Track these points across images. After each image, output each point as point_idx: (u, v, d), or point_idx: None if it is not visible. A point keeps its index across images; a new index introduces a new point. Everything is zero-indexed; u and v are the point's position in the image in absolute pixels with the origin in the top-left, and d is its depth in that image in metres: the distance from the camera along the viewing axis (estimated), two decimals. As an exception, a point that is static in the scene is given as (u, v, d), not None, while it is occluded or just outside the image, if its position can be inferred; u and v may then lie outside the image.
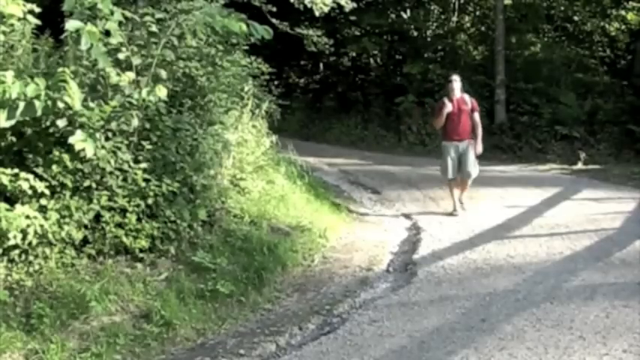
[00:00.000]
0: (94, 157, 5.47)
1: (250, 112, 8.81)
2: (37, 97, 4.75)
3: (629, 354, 4.40)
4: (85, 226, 5.56)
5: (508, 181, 11.77)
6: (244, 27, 6.05)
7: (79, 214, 5.47)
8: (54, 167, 5.46)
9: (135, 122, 5.78)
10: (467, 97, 8.97)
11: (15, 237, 5.01)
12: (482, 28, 20.01)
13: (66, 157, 5.46)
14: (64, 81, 4.96)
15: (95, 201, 5.59)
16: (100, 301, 5.02)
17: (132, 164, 5.82)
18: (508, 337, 4.77)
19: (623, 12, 18.90)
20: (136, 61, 5.97)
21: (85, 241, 5.58)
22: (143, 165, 5.88)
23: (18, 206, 5.11)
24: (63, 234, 5.39)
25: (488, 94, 17.26)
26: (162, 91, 5.72)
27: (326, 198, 9.72)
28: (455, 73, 9.82)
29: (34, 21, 5.56)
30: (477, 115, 8.93)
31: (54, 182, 5.47)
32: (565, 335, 4.75)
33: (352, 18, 18.53)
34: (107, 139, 5.72)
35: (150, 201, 5.80)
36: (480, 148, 8.86)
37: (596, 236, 7.54)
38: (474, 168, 8.90)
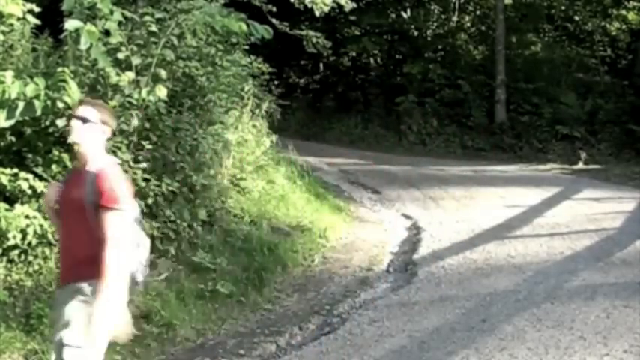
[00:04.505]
0: (94, 157, 5.45)
1: (250, 112, 8.81)
2: (37, 96, 4.74)
3: (629, 354, 4.40)
4: (85, 226, 5.54)
5: (508, 181, 11.76)
6: (244, 27, 6.04)
7: (79, 214, 5.46)
8: (54, 167, 5.46)
9: (135, 122, 5.78)
10: (103, 167, 3.19)
11: (15, 237, 5.00)
12: (483, 28, 20.02)
13: (66, 156, 5.46)
14: (64, 81, 4.94)
15: (95, 201, 5.57)
16: (99, 301, 5.00)
17: (132, 164, 5.81)
18: (508, 338, 4.76)
19: (623, 12, 18.91)
20: (136, 60, 5.96)
21: (84, 241, 5.56)
22: (143, 165, 5.87)
23: (18, 206, 5.10)
24: (63, 234, 5.38)
25: (488, 94, 17.30)
26: (162, 91, 5.71)
27: (326, 198, 9.71)
28: (88, 101, 3.43)
29: (34, 21, 5.56)
30: (112, 219, 3.10)
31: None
32: (565, 335, 4.74)
33: (352, 18, 18.51)
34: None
35: (150, 201, 5.79)
36: (99, 314, 3.16)
37: (597, 236, 7.54)
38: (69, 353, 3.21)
